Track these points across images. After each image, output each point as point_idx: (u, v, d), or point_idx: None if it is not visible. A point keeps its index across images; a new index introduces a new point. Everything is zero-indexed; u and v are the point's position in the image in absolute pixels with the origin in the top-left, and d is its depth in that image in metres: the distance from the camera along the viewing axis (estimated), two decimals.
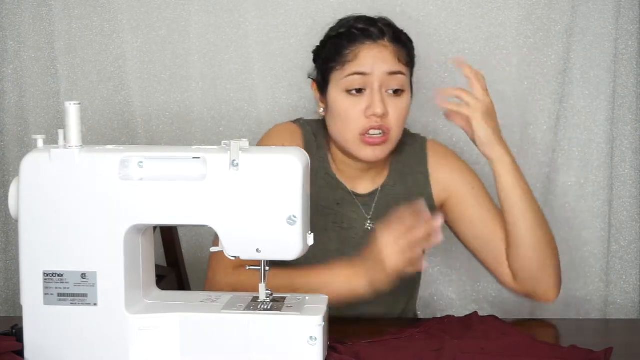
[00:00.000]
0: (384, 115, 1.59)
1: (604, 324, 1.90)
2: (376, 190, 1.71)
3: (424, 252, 1.52)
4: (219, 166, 1.24)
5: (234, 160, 1.23)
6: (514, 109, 2.11)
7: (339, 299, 1.46)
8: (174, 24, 2.15)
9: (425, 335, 1.41)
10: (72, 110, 1.25)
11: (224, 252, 1.27)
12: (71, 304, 1.27)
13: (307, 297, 1.34)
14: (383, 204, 1.70)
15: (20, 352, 1.28)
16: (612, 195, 2.13)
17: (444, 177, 1.72)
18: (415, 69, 2.10)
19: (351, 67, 1.60)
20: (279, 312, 1.27)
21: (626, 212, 2.13)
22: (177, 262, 2.06)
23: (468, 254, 2.16)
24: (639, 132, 2.11)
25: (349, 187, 1.71)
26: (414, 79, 1.71)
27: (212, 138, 2.16)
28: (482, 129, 1.57)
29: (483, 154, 1.59)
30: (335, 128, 1.64)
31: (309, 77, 1.75)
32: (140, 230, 1.29)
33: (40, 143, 1.28)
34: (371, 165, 1.68)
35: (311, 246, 1.29)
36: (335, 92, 1.62)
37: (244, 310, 1.28)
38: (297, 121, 1.77)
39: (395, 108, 1.61)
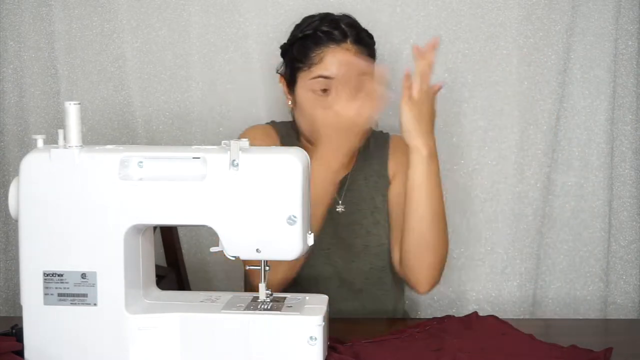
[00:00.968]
0: None
1: (604, 323, 1.89)
2: (347, 175, 1.77)
3: None
4: (219, 166, 1.24)
5: (234, 160, 1.23)
6: (514, 109, 2.11)
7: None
8: (174, 24, 2.15)
9: (425, 335, 1.41)
10: (72, 110, 1.25)
11: (224, 252, 1.27)
12: (71, 304, 1.27)
13: (307, 297, 1.34)
14: (354, 189, 1.77)
15: (20, 352, 1.28)
16: (612, 195, 2.13)
17: (395, 161, 1.78)
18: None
19: (317, 70, 1.66)
20: (279, 312, 1.27)
21: (626, 212, 2.13)
22: (177, 262, 2.06)
23: (468, 254, 2.17)
24: (639, 132, 2.12)
25: None
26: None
27: (212, 138, 2.16)
28: (404, 114, 1.56)
29: (405, 140, 1.59)
30: (303, 122, 1.72)
31: (277, 72, 1.80)
32: (140, 230, 1.29)
33: (40, 143, 1.28)
34: None
35: None
36: (303, 91, 1.69)
37: (244, 310, 1.28)
38: (270, 123, 1.84)
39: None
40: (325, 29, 1.68)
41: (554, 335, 1.46)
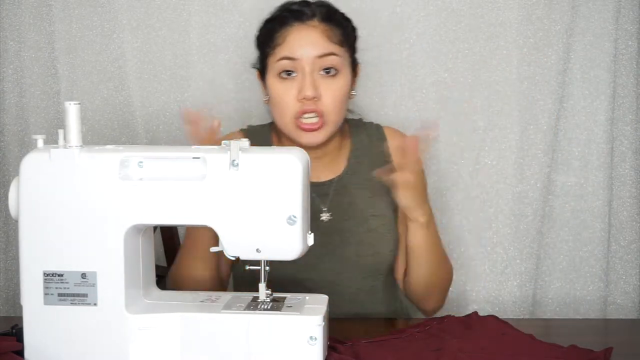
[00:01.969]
0: (315, 98, 1.58)
1: (603, 324, 1.89)
2: (335, 177, 1.70)
3: None
4: (219, 166, 1.24)
5: (233, 160, 1.23)
6: (514, 109, 2.11)
7: None
8: (174, 24, 2.15)
9: (425, 335, 1.40)
10: (72, 110, 1.25)
11: (224, 252, 1.27)
12: (71, 304, 1.26)
13: (307, 297, 1.34)
14: (342, 194, 1.69)
15: (20, 352, 1.28)
16: (612, 195, 2.13)
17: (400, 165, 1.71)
18: (416, 69, 2.12)
19: (281, 51, 1.60)
20: (279, 312, 1.27)
21: (626, 212, 2.13)
22: None
23: (468, 254, 2.17)
24: (639, 132, 2.12)
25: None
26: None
27: None
28: (403, 199, 1.56)
29: (404, 212, 1.61)
30: (275, 114, 1.66)
31: (253, 67, 1.75)
32: (140, 230, 1.29)
33: (40, 143, 1.28)
34: (320, 154, 1.67)
35: None
36: (271, 77, 1.63)
37: (244, 310, 1.28)
38: (242, 129, 1.79)
39: (329, 90, 1.60)
40: (293, 8, 1.63)
41: (554, 335, 1.46)
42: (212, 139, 1.46)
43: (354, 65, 1.69)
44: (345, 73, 1.64)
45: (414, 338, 1.39)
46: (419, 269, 1.64)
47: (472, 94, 2.12)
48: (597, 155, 2.11)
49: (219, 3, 2.14)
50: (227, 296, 1.35)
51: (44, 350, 1.27)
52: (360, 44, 1.73)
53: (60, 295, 1.26)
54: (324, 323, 1.26)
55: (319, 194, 1.69)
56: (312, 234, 1.29)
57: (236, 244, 1.26)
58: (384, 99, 2.12)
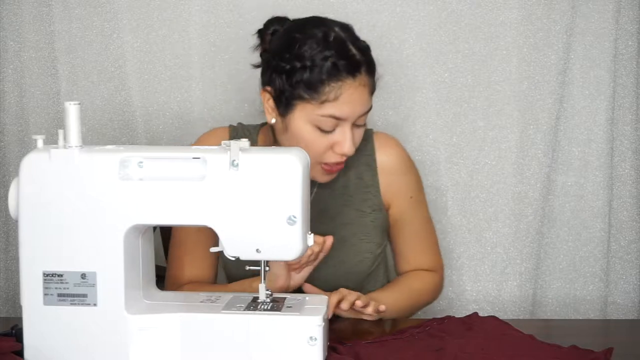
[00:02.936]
0: (352, 153, 1.56)
1: (604, 324, 1.89)
2: (314, 187, 1.64)
3: None
4: (219, 166, 1.24)
5: (233, 161, 1.23)
6: (514, 109, 2.11)
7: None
8: (174, 24, 2.15)
9: (425, 335, 1.40)
10: (72, 110, 1.25)
11: (224, 252, 1.27)
12: (71, 304, 1.26)
13: (307, 297, 1.34)
14: (316, 200, 1.64)
15: (20, 353, 1.28)
16: (612, 195, 2.13)
17: (391, 180, 1.68)
18: (416, 69, 2.12)
19: (329, 109, 1.49)
20: (278, 312, 1.27)
21: (626, 212, 2.13)
22: None
23: (468, 254, 2.17)
24: (639, 132, 2.12)
25: None
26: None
27: None
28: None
29: None
30: (296, 146, 1.52)
31: (264, 88, 1.62)
32: (140, 230, 1.29)
33: (40, 143, 1.28)
34: None
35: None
36: (302, 122, 1.52)
37: (244, 310, 1.28)
38: (232, 125, 1.75)
39: (357, 138, 1.57)
40: (341, 61, 1.49)
41: (554, 335, 1.46)
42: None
43: None
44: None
45: (414, 338, 1.39)
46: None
47: (472, 94, 2.12)
48: (597, 155, 2.10)
49: (219, 3, 2.14)
50: (227, 296, 1.35)
51: (44, 351, 1.27)
52: None
53: (60, 295, 1.26)
54: (324, 323, 1.26)
55: None
56: (312, 234, 1.29)
57: (236, 244, 1.26)
58: (384, 100, 2.12)
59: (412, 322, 1.50)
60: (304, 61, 1.50)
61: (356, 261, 1.67)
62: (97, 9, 2.14)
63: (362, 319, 1.55)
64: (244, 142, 1.24)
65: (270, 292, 1.33)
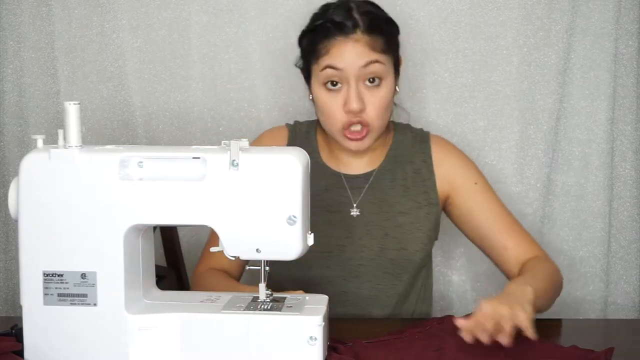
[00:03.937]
0: (361, 110, 1.60)
1: (604, 324, 1.89)
2: (372, 171, 1.73)
3: None
4: (219, 166, 1.24)
5: (233, 160, 1.23)
6: (514, 109, 2.11)
7: None
8: (174, 24, 2.15)
9: (425, 335, 1.40)
10: (72, 110, 1.25)
11: (224, 252, 1.27)
12: (71, 304, 1.26)
13: (307, 297, 1.34)
14: (376, 188, 1.71)
15: (20, 352, 1.28)
16: (612, 195, 2.13)
17: (448, 171, 1.73)
18: (415, 69, 2.12)
19: (324, 60, 1.61)
20: (278, 312, 1.27)
21: (626, 212, 2.13)
22: (177, 262, 2.06)
23: (468, 254, 2.17)
24: (639, 132, 2.11)
25: (344, 169, 1.73)
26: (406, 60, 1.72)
27: (212, 138, 2.16)
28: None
29: None
30: (322, 120, 1.68)
31: (296, 66, 1.75)
32: (140, 230, 1.29)
33: (40, 143, 1.28)
34: (366, 150, 1.70)
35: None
36: (316, 85, 1.64)
37: (244, 310, 1.28)
38: (288, 124, 1.81)
39: (373, 99, 1.62)
40: (336, 19, 1.61)
41: (554, 335, 1.46)
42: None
43: (398, 65, 1.69)
44: (389, 79, 1.65)
45: (414, 338, 1.39)
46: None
47: (472, 94, 2.12)
48: (597, 155, 2.10)
49: (219, 3, 2.14)
50: (227, 296, 1.35)
51: (44, 351, 1.27)
52: None
53: (60, 295, 1.26)
54: (324, 323, 1.26)
55: (352, 187, 1.71)
56: (312, 234, 1.29)
57: (236, 244, 1.26)
58: None
59: (412, 323, 1.50)
60: (309, 27, 1.67)
61: (414, 249, 1.69)
62: (97, 9, 2.14)
63: (362, 319, 1.55)
64: (244, 142, 1.24)
65: (270, 292, 1.33)
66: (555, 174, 2.13)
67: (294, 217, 1.24)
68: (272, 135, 1.79)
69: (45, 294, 1.27)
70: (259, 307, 1.29)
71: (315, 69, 1.64)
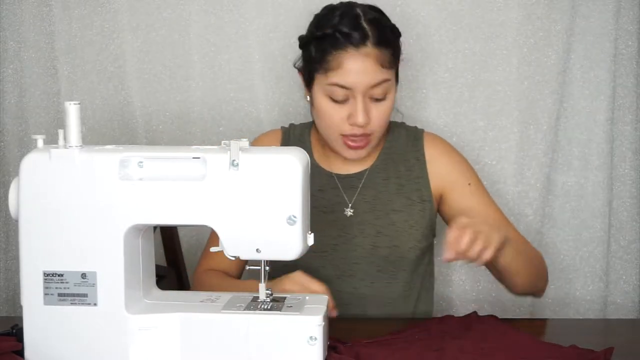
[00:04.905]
0: (367, 124, 1.60)
1: (604, 323, 1.89)
2: (365, 170, 1.72)
3: None
4: (219, 166, 1.24)
5: (233, 160, 1.23)
6: (514, 109, 2.11)
7: None
8: (174, 24, 2.15)
9: (425, 335, 1.40)
10: (72, 110, 1.25)
11: (224, 252, 1.27)
12: (71, 304, 1.27)
13: (307, 297, 1.34)
14: (369, 187, 1.71)
15: (20, 352, 1.28)
16: (612, 195, 2.13)
17: (441, 169, 1.72)
18: (415, 69, 2.12)
19: (333, 77, 1.58)
20: (278, 312, 1.27)
21: (626, 212, 2.13)
22: (177, 262, 2.06)
23: None
24: (639, 132, 2.11)
25: (336, 169, 1.73)
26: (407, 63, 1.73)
27: (212, 138, 2.16)
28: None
29: None
30: (320, 124, 1.67)
31: (294, 66, 1.74)
32: (140, 230, 1.29)
33: (40, 143, 1.28)
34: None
35: None
36: (319, 94, 1.63)
37: (244, 310, 1.28)
38: (283, 127, 1.82)
39: (378, 113, 1.62)
40: (344, 29, 1.58)
41: (554, 335, 1.46)
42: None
43: (397, 72, 1.68)
44: (393, 90, 1.65)
45: (414, 338, 1.39)
46: (517, 281, 1.61)
47: (472, 94, 2.12)
48: (597, 155, 2.10)
49: (219, 3, 2.14)
50: (227, 296, 1.35)
51: (44, 350, 1.27)
52: None
53: (60, 295, 1.26)
54: (324, 323, 1.26)
55: (346, 187, 1.71)
56: (312, 234, 1.29)
57: (236, 244, 1.26)
58: None
59: (412, 323, 1.50)
60: (315, 33, 1.63)
61: (408, 247, 1.68)
62: (97, 9, 2.15)
63: (362, 319, 1.55)
64: (244, 142, 1.24)
65: (270, 292, 1.33)
66: (555, 174, 2.13)
67: (294, 217, 1.24)
68: (267, 137, 1.80)
69: (46, 294, 1.27)
70: (259, 307, 1.29)
71: (321, 79, 1.61)
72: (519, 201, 2.13)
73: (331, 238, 1.68)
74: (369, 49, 1.57)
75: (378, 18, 1.63)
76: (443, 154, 1.74)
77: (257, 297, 1.33)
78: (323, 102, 1.62)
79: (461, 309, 2.15)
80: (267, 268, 1.31)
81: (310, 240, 1.29)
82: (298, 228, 1.24)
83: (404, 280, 1.70)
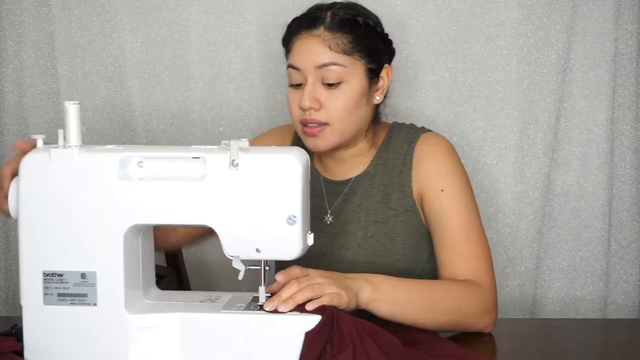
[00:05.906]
0: (312, 109, 1.55)
1: (604, 323, 1.89)
2: (351, 178, 1.65)
3: None
4: (219, 166, 1.24)
5: (233, 160, 1.23)
6: (513, 109, 2.11)
7: None
8: (174, 24, 2.15)
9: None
10: (72, 110, 1.25)
11: (224, 252, 1.27)
12: (71, 304, 1.26)
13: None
14: (356, 194, 1.64)
15: (20, 352, 1.28)
16: (612, 195, 2.13)
17: (422, 173, 1.59)
18: (415, 69, 2.12)
19: (288, 59, 1.60)
20: (278, 312, 1.27)
21: (626, 212, 2.13)
22: (177, 262, 2.06)
23: None
24: (639, 132, 2.12)
25: (329, 175, 1.69)
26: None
27: (212, 138, 2.16)
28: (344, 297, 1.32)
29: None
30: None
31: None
32: (140, 230, 1.29)
33: (40, 143, 1.28)
34: (336, 157, 1.65)
35: None
36: (288, 82, 1.61)
37: (244, 310, 1.28)
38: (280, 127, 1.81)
39: (331, 100, 1.55)
40: (304, 15, 1.60)
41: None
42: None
43: (377, 71, 1.60)
44: (354, 82, 1.56)
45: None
46: (420, 325, 1.42)
47: (472, 94, 2.12)
48: (597, 155, 2.10)
49: (219, 3, 2.14)
50: (227, 296, 1.35)
51: (44, 350, 1.27)
52: None
53: (60, 295, 1.26)
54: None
55: (330, 193, 1.67)
56: (312, 234, 1.29)
57: (236, 244, 1.26)
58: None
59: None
60: (287, 25, 1.64)
61: (386, 262, 1.58)
62: (97, 9, 2.15)
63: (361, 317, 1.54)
64: (244, 142, 1.24)
65: (269, 294, 1.33)
66: (555, 173, 2.13)
67: (294, 217, 1.24)
68: (279, 132, 1.78)
69: (45, 294, 1.27)
70: (259, 307, 1.29)
71: (287, 67, 1.61)
72: (518, 201, 2.14)
73: (319, 247, 1.59)
74: (320, 31, 1.55)
75: (349, 12, 1.59)
76: (429, 156, 1.60)
77: (257, 297, 1.32)
78: (289, 90, 1.60)
79: None
80: (267, 268, 1.31)
81: (310, 240, 1.29)
82: (298, 228, 1.24)
83: None
